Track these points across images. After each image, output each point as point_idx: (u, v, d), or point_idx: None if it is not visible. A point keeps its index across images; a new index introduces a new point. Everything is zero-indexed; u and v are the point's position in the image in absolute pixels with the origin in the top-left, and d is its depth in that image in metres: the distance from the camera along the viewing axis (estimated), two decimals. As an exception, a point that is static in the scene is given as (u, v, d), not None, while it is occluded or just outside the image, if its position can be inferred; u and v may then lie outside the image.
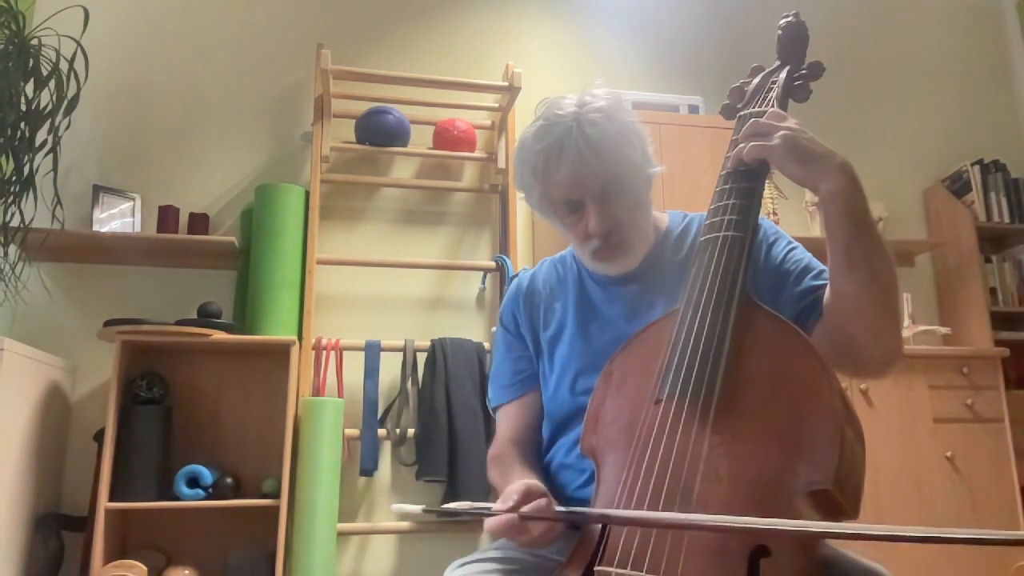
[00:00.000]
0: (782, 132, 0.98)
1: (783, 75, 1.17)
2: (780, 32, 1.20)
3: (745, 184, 1.04)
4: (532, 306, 1.29)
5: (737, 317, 0.94)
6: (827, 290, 1.06)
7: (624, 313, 1.19)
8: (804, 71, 1.17)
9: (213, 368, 2.78)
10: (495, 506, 0.94)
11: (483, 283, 3.16)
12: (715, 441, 0.86)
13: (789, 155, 0.97)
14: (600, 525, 0.87)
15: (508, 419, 1.29)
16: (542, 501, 0.94)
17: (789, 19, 1.19)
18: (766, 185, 3.12)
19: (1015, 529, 2.89)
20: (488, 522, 0.93)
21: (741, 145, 1.01)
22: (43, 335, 2.67)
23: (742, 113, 1.13)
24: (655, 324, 1.04)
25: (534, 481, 0.99)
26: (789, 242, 1.20)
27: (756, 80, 1.20)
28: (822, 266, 1.13)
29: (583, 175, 1.12)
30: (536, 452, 1.24)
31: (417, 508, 0.96)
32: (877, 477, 2.79)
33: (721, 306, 0.95)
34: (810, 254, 1.18)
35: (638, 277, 1.21)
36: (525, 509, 0.92)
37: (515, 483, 0.97)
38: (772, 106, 1.10)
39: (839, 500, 0.83)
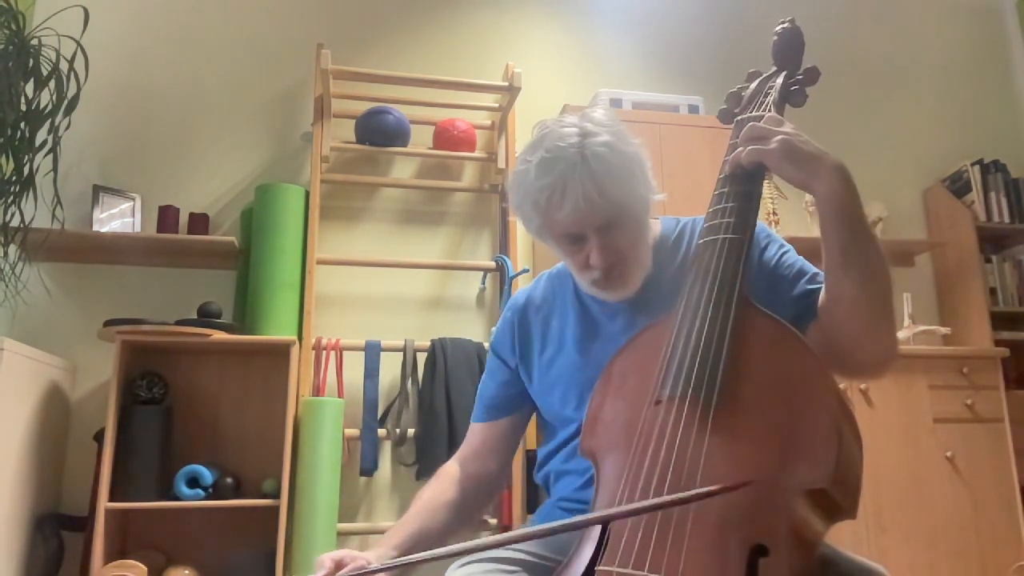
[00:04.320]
0: (779, 136, 0.99)
1: (779, 80, 1.18)
2: (776, 38, 1.21)
3: (743, 187, 1.05)
4: (526, 327, 1.29)
5: (735, 319, 0.95)
6: (822, 292, 1.06)
7: (624, 327, 1.18)
8: (800, 76, 1.18)
9: (213, 368, 2.78)
10: None
11: (483, 283, 3.16)
12: (714, 441, 0.86)
13: (785, 158, 0.98)
14: (601, 526, 0.87)
15: (472, 438, 1.32)
16: (354, 567, 0.98)
17: (785, 25, 1.21)
18: (766, 185, 3.13)
19: (1015, 529, 2.90)
20: None
21: (739, 149, 1.02)
22: (43, 335, 2.67)
23: (739, 118, 1.15)
24: (654, 326, 1.04)
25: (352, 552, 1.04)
26: (782, 245, 1.21)
27: (753, 85, 1.21)
28: (815, 269, 1.14)
29: (587, 212, 1.09)
30: (475, 481, 1.27)
31: None
32: (877, 477, 2.79)
33: (720, 308, 0.96)
34: (802, 258, 1.19)
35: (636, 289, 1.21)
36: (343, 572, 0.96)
37: (330, 554, 1.02)
38: (769, 111, 1.11)
39: (837, 499, 0.84)
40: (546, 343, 1.26)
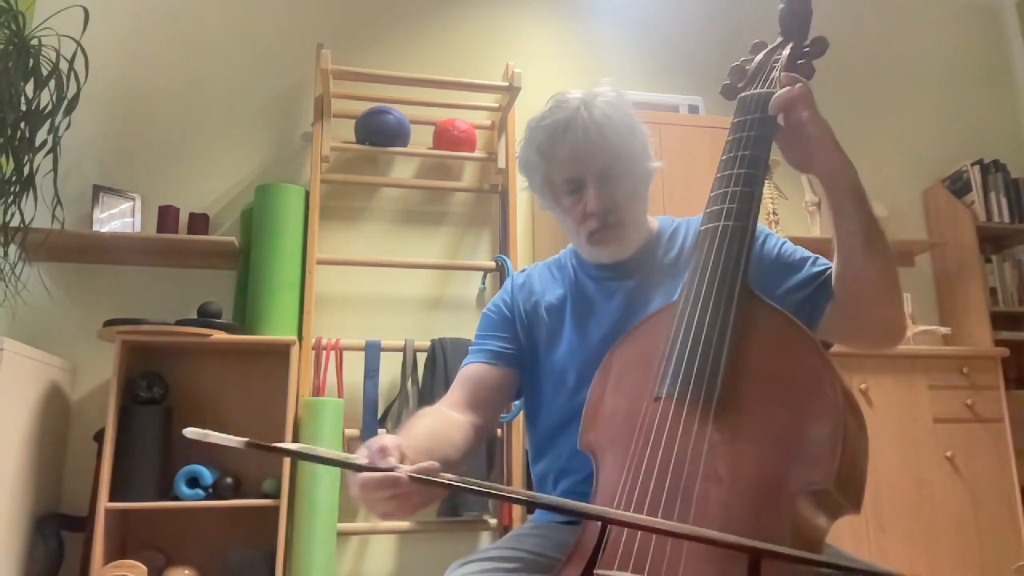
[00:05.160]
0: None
1: (786, 52, 1.13)
2: (783, 6, 1.16)
3: (748, 170, 1.03)
4: (529, 299, 1.30)
5: (738, 311, 0.93)
6: (837, 272, 1.08)
7: (620, 305, 1.20)
8: (807, 48, 1.14)
9: (213, 368, 2.78)
10: (362, 459, 0.81)
11: (483, 283, 3.16)
12: (715, 440, 0.85)
13: (832, 138, 1.01)
14: (600, 525, 0.87)
15: (472, 377, 1.22)
16: (432, 464, 0.81)
17: None
18: (766, 185, 3.13)
19: (1015, 529, 2.89)
20: (359, 478, 0.80)
21: (792, 103, 1.02)
22: (43, 335, 2.67)
23: (744, 94, 1.11)
24: (654, 317, 1.03)
25: (410, 440, 0.88)
26: (779, 238, 1.23)
27: (758, 58, 1.16)
28: (814, 254, 1.18)
29: (587, 151, 1.15)
30: (483, 426, 1.18)
31: (231, 439, 0.71)
32: (877, 477, 2.79)
33: (722, 300, 0.94)
34: (800, 247, 1.21)
35: (632, 272, 1.22)
36: (412, 469, 0.79)
37: (384, 436, 0.86)
38: (775, 86, 1.08)
39: (841, 498, 0.83)
40: (545, 319, 1.26)
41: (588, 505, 0.84)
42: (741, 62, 1.18)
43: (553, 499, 0.84)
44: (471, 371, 1.24)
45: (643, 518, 0.82)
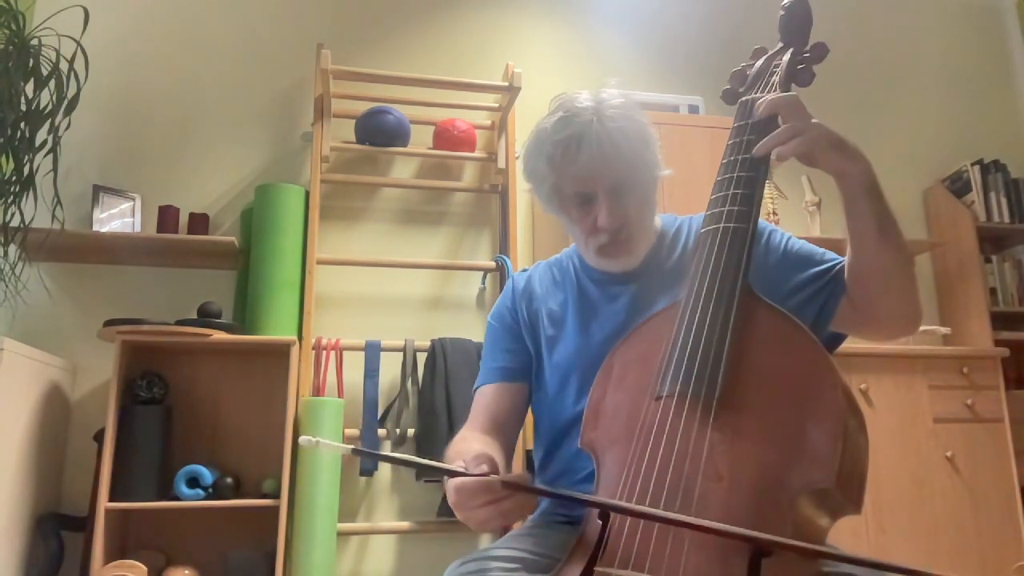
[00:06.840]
0: (815, 124, 1.00)
1: (786, 58, 1.15)
2: (783, 12, 1.18)
3: (748, 173, 1.03)
4: (531, 305, 1.29)
5: (739, 311, 0.94)
6: (851, 264, 1.08)
7: (624, 310, 1.20)
8: (807, 54, 1.15)
9: (213, 368, 2.78)
10: (458, 467, 0.87)
11: (483, 283, 3.16)
12: (716, 439, 0.86)
13: (830, 146, 1.00)
14: (600, 523, 0.87)
15: (491, 400, 1.23)
16: (524, 474, 0.87)
17: None
18: (766, 185, 3.13)
19: (1015, 529, 2.89)
20: (457, 482, 0.86)
21: (781, 141, 0.99)
22: (43, 335, 2.67)
23: (744, 98, 1.12)
24: (656, 317, 1.03)
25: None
26: (784, 232, 1.23)
27: (758, 63, 1.18)
28: (823, 249, 1.18)
29: (599, 168, 1.13)
30: (511, 446, 1.21)
31: (340, 446, 0.83)
32: (877, 477, 2.79)
33: (722, 300, 0.95)
34: (807, 242, 1.21)
35: (636, 276, 1.22)
36: (505, 478, 0.84)
37: (479, 450, 0.90)
38: (775, 91, 1.09)
39: (841, 497, 0.83)
40: (547, 324, 1.26)
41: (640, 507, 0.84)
42: (742, 67, 1.19)
43: (620, 504, 0.85)
44: (487, 394, 1.25)
45: (642, 508, 0.82)
